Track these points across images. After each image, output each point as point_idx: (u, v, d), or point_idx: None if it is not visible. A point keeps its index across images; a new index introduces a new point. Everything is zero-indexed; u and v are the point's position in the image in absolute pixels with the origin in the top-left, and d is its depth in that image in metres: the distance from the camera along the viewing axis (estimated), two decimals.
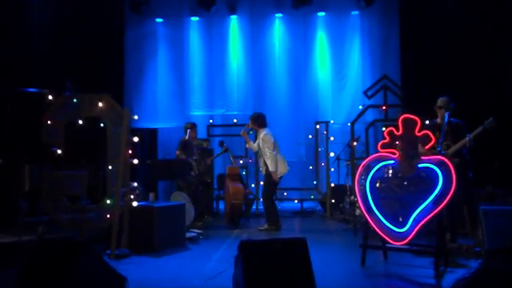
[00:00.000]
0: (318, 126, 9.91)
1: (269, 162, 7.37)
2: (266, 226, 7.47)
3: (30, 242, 4.99)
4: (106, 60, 9.99)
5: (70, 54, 9.05)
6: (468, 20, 8.83)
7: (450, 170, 4.50)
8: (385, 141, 4.88)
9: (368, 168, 4.94)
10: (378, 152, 4.93)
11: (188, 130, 8.19)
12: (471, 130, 5.53)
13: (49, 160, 5.83)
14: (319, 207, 9.97)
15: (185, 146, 8.01)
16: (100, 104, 5.76)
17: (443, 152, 5.44)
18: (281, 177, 7.55)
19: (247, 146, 8.25)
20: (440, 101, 5.86)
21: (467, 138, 5.49)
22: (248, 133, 8.05)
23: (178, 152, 8.07)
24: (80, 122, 5.87)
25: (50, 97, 5.83)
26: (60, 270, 3.03)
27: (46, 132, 5.75)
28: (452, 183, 4.47)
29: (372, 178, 4.87)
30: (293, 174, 9.69)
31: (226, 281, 4.17)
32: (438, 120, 5.88)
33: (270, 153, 7.38)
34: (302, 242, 3.37)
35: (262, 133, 7.52)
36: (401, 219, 4.66)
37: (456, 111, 5.78)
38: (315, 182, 9.98)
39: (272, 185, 7.50)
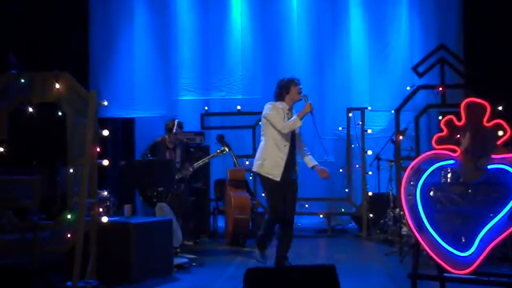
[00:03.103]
0: (350, 115, 9.90)
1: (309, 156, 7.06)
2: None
3: None
4: (64, 27, 10.01)
5: (14, 18, 9.06)
6: None
7: None
8: (442, 134, 4.87)
9: (419, 171, 4.93)
10: (433, 149, 4.91)
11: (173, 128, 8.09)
12: None
13: None
14: (352, 224, 10.01)
15: (154, 150, 7.99)
16: (57, 85, 5.76)
17: None
18: None
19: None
20: None
21: None
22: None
23: None
24: (30, 109, 5.89)
25: None
26: None
27: None
28: None
29: (424, 184, 4.86)
30: (317, 179, 9.66)
31: None
32: None
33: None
34: (329, 271, 3.39)
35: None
36: (464, 239, 4.64)
37: None
38: (347, 191, 9.96)
39: None
